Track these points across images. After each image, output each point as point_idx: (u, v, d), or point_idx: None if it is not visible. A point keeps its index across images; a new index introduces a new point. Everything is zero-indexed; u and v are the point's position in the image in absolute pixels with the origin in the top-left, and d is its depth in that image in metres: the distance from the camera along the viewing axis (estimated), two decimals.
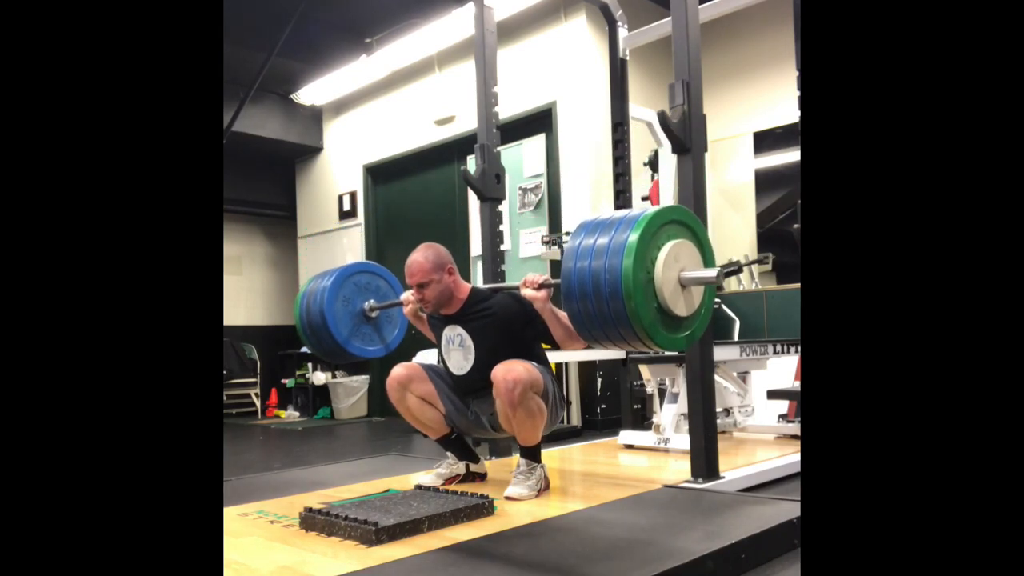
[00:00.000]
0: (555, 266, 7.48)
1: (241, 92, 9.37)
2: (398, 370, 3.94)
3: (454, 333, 3.89)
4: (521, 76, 8.25)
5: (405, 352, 8.86)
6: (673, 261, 2.83)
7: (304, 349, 10.83)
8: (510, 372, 3.49)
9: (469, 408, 3.93)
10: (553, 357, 6.55)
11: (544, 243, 7.35)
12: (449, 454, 4.06)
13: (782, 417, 5.69)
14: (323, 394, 10.65)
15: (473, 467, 4.04)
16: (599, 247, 2.80)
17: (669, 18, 4.22)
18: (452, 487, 3.73)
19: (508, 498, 3.55)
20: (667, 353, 5.77)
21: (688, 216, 3.00)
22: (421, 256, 3.78)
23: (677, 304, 2.86)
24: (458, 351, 3.88)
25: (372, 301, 4.30)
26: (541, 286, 3.48)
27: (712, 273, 2.89)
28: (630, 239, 2.72)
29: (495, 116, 5.19)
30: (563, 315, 3.55)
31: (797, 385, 5.65)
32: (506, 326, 3.77)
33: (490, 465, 4.32)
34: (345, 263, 10.56)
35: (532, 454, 3.73)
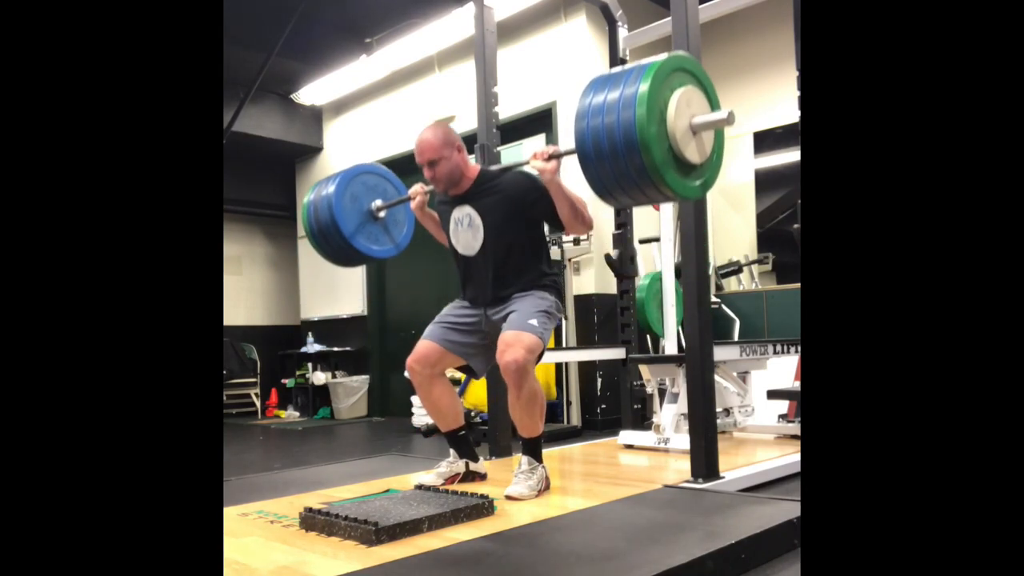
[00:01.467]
0: (555, 266, 7.48)
1: (241, 92, 9.38)
2: (418, 349, 3.91)
3: (463, 214, 3.89)
4: (521, 76, 8.25)
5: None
6: (685, 107, 2.86)
7: (304, 349, 10.84)
8: (513, 354, 3.52)
9: (481, 327, 3.92)
10: (552, 357, 6.59)
11: None
12: (451, 452, 4.05)
13: (782, 417, 5.69)
14: (323, 394, 10.65)
15: (473, 466, 4.03)
16: (610, 102, 2.81)
17: (669, 18, 4.23)
18: (452, 487, 3.72)
19: (508, 497, 3.54)
20: (668, 353, 5.80)
21: (693, 64, 3.02)
22: (431, 134, 3.78)
23: (691, 151, 2.89)
24: (467, 231, 3.88)
25: (379, 201, 4.27)
26: (551, 157, 3.44)
27: (723, 114, 2.91)
28: (641, 89, 2.74)
29: (495, 116, 5.19)
30: (571, 193, 3.60)
31: (797, 385, 5.65)
32: (515, 203, 3.77)
33: (490, 465, 4.32)
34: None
35: (534, 451, 3.74)
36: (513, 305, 3.73)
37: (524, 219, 3.79)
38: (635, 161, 2.74)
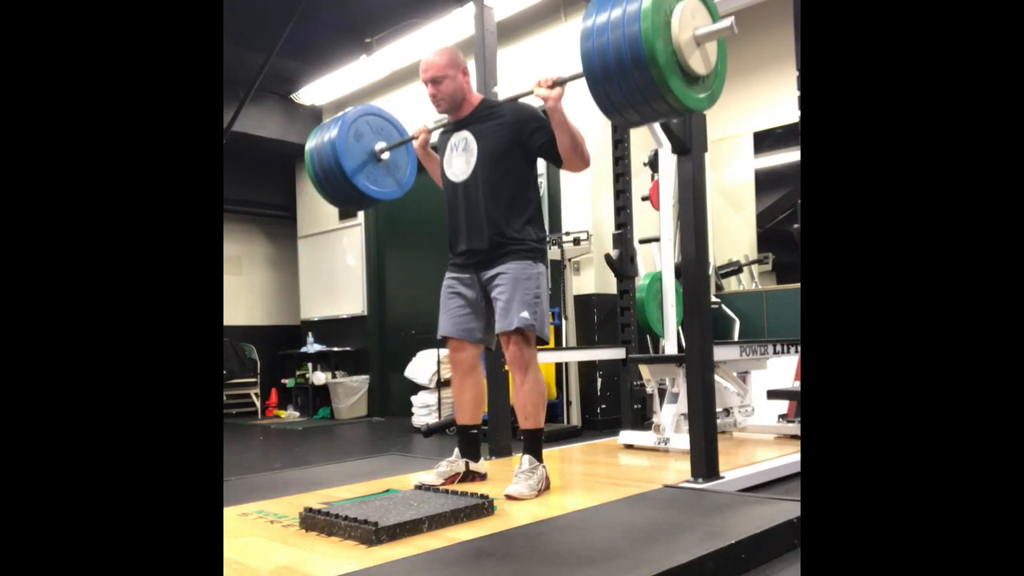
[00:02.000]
0: (555, 265, 7.48)
1: (241, 92, 9.37)
2: (450, 346, 4.00)
3: (459, 139, 3.91)
4: (521, 76, 8.23)
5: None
6: (689, 18, 2.91)
7: (304, 349, 10.84)
8: (516, 342, 3.63)
9: (476, 292, 3.92)
10: (552, 357, 6.60)
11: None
12: (455, 450, 4.06)
13: (782, 417, 5.69)
14: (323, 394, 10.66)
15: (473, 466, 4.04)
16: (614, 20, 2.85)
17: None
18: (452, 486, 3.72)
19: (508, 496, 3.54)
20: (668, 353, 5.79)
21: None
22: (438, 54, 3.85)
23: (695, 61, 2.94)
24: (460, 156, 3.90)
25: (383, 143, 4.29)
26: (554, 84, 3.47)
27: (726, 23, 2.98)
28: (644, 4, 2.78)
29: None
30: (573, 126, 3.62)
31: (797, 385, 5.64)
32: (514, 129, 3.79)
33: (489, 465, 4.31)
34: (346, 264, 10.55)
35: (535, 449, 3.75)
36: (503, 285, 3.74)
37: (521, 150, 3.80)
38: (643, 75, 2.79)
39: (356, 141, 4.17)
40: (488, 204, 3.78)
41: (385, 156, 4.28)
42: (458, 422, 4.10)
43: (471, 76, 4.01)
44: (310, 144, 4.26)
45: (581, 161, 3.68)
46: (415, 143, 4.14)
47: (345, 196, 4.30)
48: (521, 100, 3.83)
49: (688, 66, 2.88)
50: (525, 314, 3.62)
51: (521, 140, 3.76)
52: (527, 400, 3.69)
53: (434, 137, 4.18)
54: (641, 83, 2.82)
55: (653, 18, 2.75)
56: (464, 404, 4.06)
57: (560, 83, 3.45)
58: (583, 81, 3.02)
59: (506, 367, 3.82)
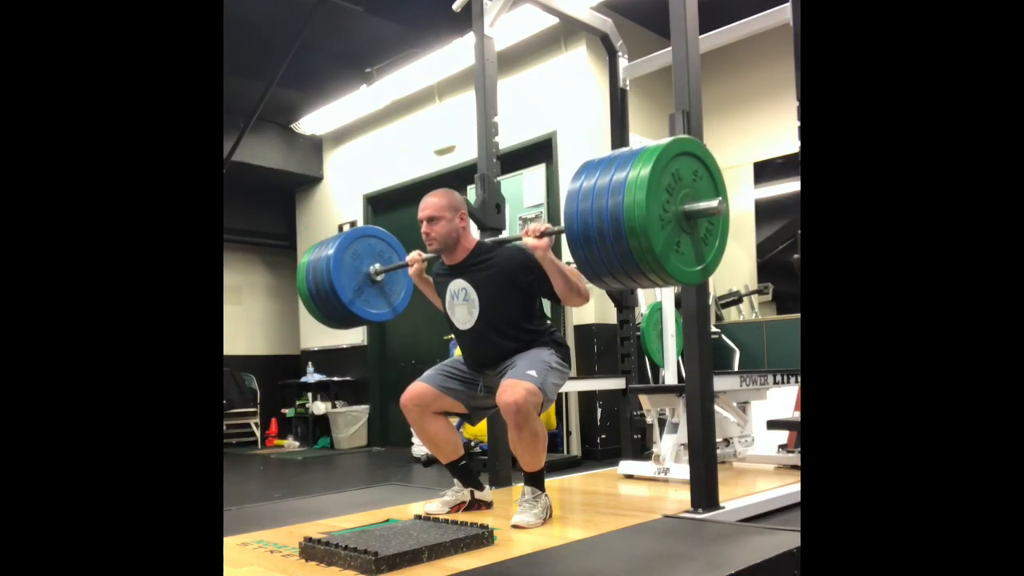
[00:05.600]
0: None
1: (241, 122, 9.41)
2: (413, 389, 3.94)
3: (458, 288, 3.91)
4: (521, 106, 8.27)
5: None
6: (684, 192, 2.87)
7: (304, 378, 10.82)
8: (513, 394, 3.50)
9: (479, 384, 3.93)
10: None
11: None
12: (456, 481, 4.05)
13: (782, 447, 5.68)
14: (323, 424, 10.64)
15: (478, 495, 4.03)
16: (600, 187, 2.80)
17: (669, 48, 4.23)
18: (459, 515, 3.71)
19: (515, 526, 3.54)
20: (668, 383, 5.79)
21: (697, 147, 3.00)
22: (437, 195, 3.87)
23: (687, 238, 2.90)
24: (462, 306, 3.89)
25: (377, 265, 4.34)
26: (542, 235, 3.48)
27: (713, 203, 2.90)
28: (641, 174, 2.72)
29: (495, 146, 5.19)
30: (565, 267, 3.63)
31: (797, 415, 5.64)
32: (509, 276, 3.78)
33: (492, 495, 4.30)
34: None
35: (536, 482, 3.72)
36: (516, 359, 3.74)
37: (518, 293, 3.81)
38: (633, 245, 2.74)
39: (350, 267, 4.26)
40: (495, 344, 3.83)
41: (379, 278, 4.34)
42: (443, 462, 4.09)
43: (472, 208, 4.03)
44: (306, 258, 4.32)
45: (578, 298, 3.70)
46: (410, 270, 4.15)
47: (337, 315, 4.36)
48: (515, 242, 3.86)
49: (680, 242, 2.86)
50: (532, 372, 3.60)
51: (515, 284, 3.79)
52: (525, 451, 3.65)
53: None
54: (630, 255, 2.77)
55: (650, 189, 2.71)
56: (440, 444, 4.02)
57: (548, 234, 3.48)
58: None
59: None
